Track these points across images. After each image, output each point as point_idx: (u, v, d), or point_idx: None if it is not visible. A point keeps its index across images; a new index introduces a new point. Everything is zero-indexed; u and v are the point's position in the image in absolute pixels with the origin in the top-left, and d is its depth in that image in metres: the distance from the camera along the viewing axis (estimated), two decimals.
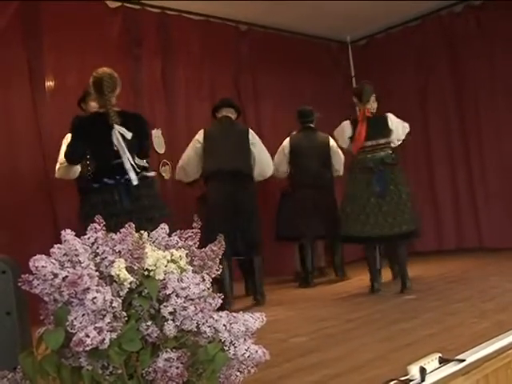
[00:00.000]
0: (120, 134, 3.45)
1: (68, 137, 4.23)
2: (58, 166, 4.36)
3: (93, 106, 4.29)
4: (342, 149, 5.38)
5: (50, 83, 5.24)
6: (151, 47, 5.98)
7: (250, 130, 5.03)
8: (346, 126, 4.76)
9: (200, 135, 4.94)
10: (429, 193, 7.00)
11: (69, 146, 3.72)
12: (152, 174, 3.71)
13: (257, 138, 5.02)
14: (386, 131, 4.65)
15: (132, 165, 3.46)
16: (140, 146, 3.64)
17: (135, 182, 3.43)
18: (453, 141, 6.98)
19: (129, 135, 3.46)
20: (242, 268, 5.17)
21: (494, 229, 6.65)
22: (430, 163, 7.14)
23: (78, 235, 1.59)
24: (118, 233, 1.69)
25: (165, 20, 6.14)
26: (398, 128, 4.73)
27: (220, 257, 1.71)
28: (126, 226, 1.63)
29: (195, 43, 6.35)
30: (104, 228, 1.64)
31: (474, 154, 6.88)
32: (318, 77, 7.31)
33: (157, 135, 5.88)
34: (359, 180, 4.57)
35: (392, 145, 4.68)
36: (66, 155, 3.77)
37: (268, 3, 6.21)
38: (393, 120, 4.73)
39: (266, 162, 5.02)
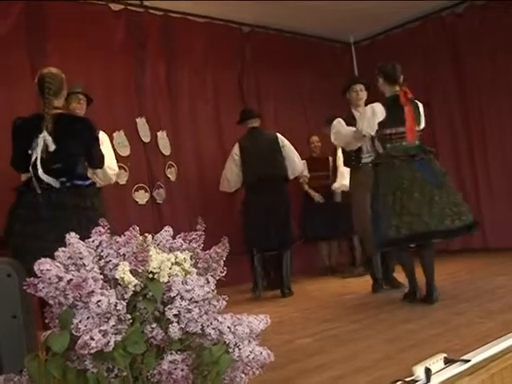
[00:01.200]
0: (44, 143, 3.26)
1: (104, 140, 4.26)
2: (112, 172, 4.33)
3: (74, 107, 4.30)
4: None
5: None
6: (155, 49, 6.00)
7: (278, 135, 5.52)
8: (377, 108, 4.06)
9: (236, 149, 5.46)
10: None
11: (12, 153, 3.53)
12: (86, 182, 3.42)
13: (285, 140, 5.50)
14: (419, 118, 4.16)
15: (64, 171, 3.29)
16: (86, 153, 3.45)
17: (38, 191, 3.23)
18: (457, 141, 6.98)
19: (51, 147, 3.26)
20: (267, 263, 5.61)
21: (499, 229, 6.63)
22: None
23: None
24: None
25: (168, 22, 6.15)
26: (423, 117, 4.26)
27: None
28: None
29: (198, 45, 6.36)
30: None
31: (478, 154, 6.87)
32: (321, 78, 7.32)
33: (162, 137, 5.89)
34: (401, 168, 3.91)
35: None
36: (11, 163, 3.57)
37: (271, 5, 6.22)
38: (421, 108, 4.26)
39: (297, 160, 5.54)
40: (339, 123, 4.71)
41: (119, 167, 4.79)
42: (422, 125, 4.21)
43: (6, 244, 3.28)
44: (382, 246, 3.98)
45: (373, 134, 4.10)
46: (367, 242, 4.65)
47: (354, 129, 4.39)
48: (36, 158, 3.25)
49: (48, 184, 3.25)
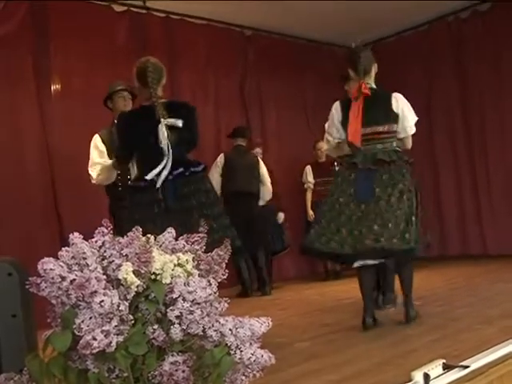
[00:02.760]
0: (168, 128, 3.15)
1: (96, 139, 4.13)
2: (95, 171, 4.05)
3: (119, 105, 4.20)
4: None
5: (56, 86, 5.27)
6: (156, 51, 5.97)
7: (259, 159, 6.01)
8: (335, 108, 3.61)
9: (221, 158, 5.88)
10: (433, 199, 6.99)
11: (119, 146, 3.46)
12: (200, 167, 3.31)
13: (264, 167, 5.96)
14: (389, 115, 3.49)
15: (178, 161, 3.17)
16: (191, 134, 3.31)
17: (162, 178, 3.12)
18: (458, 146, 7.00)
19: (179, 122, 3.16)
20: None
21: (498, 235, 6.65)
22: (434, 168, 7.15)
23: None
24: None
25: (170, 24, 6.17)
26: (406, 113, 3.55)
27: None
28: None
29: (200, 47, 6.38)
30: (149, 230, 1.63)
31: (478, 160, 6.89)
32: (323, 82, 7.32)
33: None
34: (342, 179, 3.49)
35: (398, 135, 3.53)
36: (117, 155, 3.55)
37: (273, 8, 6.23)
38: (400, 101, 3.56)
39: (270, 188, 5.95)
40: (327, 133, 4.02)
41: None
42: (400, 122, 3.52)
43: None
44: (303, 249, 3.61)
45: (334, 140, 3.61)
46: None
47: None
48: (162, 149, 3.13)
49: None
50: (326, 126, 3.72)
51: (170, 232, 1.74)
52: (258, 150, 6.17)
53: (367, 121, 3.42)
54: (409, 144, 3.62)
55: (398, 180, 3.40)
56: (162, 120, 3.15)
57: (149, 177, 3.13)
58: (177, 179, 3.16)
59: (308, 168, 6.38)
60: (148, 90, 3.23)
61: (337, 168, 3.74)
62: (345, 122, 3.49)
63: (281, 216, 6.22)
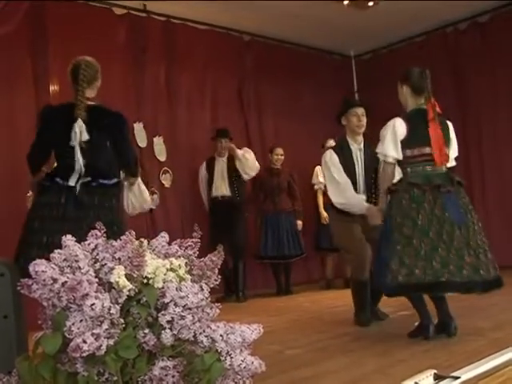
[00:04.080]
0: (80, 131, 3.06)
1: None
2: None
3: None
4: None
5: (54, 87, 5.27)
6: (155, 55, 6.02)
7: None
8: (397, 124, 3.32)
9: (203, 166, 5.97)
10: None
11: (33, 143, 3.24)
12: (112, 181, 3.17)
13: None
14: (448, 139, 3.39)
15: (82, 168, 3.05)
16: (117, 150, 3.20)
17: (72, 184, 3.00)
18: None
19: (84, 136, 3.05)
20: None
21: (493, 246, 6.64)
22: None
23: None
24: (57, 239, 1.62)
25: (170, 28, 6.18)
26: (455, 143, 3.48)
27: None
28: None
29: (199, 52, 6.38)
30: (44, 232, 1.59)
31: (474, 171, 6.91)
32: (320, 88, 7.35)
33: (158, 143, 5.90)
34: (419, 201, 3.18)
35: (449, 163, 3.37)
36: (28, 154, 3.26)
37: (273, 15, 6.26)
38: (452, 129, 3.50)
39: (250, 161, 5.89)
40: (330, 175, 3.94)
41: None
42: (454, 152, 3.45)
43: (21, 241, 3.12)
44: (392, 291, 3.21)
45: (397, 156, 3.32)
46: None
47: (360, 197, 3.84)
48: (73, 148, 3.05)
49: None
50: (382, 145, 3.36)
51: (164, 236, 1.74)
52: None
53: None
54: None
55: (469, 203, 3.33)
56: (79, 120, 3.08)
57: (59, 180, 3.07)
58: (82, 187, 3.05)
59: (318, 168, 6.28)
60: (76, 88, 3.17)
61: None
62: (411, 141, 3.29)
63: (300, 224, 6.26)
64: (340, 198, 3.89)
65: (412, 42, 7.43)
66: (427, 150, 3.27)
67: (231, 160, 5.91)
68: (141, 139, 5.75)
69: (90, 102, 3.19)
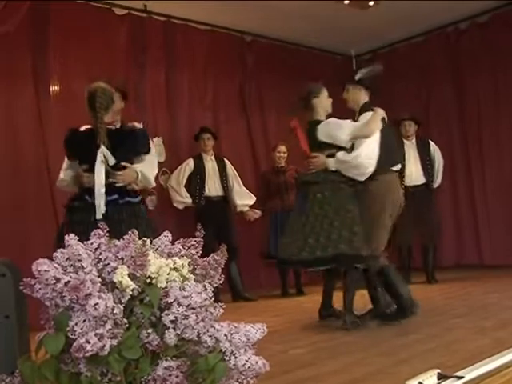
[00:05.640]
0: (104, 157, 3.27)
1: None
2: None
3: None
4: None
5: (54, 87, 5.26)
6: (156, 55, 6.01)
7: (226, 161, 6.00)
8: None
9: (190, 162, 5.82)
10: None
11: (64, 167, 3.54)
12: (137, 199, 3.44)
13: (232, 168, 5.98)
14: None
15: (115, 187, 3.29)
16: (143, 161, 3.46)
17: (101, 213, 3.18)
18: (454, 156, 7.00)
19: (111, 160, 3.29)
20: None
21: (494, 246, 6.65)
22: None
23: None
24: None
25: (170, 28, 6.17)
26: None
27: None
28: None
29: (200, 52, 6.38)
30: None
31: (475, 171, 6.90)
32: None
33: (158, 143, 5.88)
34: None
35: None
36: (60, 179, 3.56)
37: (274, 15, 6.25)
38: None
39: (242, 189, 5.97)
40: None
41: None
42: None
43: None
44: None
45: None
46: None
47: None
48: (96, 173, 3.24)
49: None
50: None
51: (167, 236, 1.74)
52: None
53: None
54: None
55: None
56: (102, 146, 3.28)
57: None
58: (110, 205, 3.22)
59: None
60: (95, 115, 3.34)
61: None
62: None
63: None
64: None
65: (412, 42, 7.42)
66: None
67: (221, 160, 5.94)
68: None
69: (109, 127, 3.39)
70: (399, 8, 6.21)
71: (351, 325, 3.69)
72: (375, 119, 3.89)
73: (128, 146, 3.40)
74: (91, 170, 3.30)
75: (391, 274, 3.90)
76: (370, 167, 3.82)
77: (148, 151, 3.52)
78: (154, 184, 3.80)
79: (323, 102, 4.11)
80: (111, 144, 3.30)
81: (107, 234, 1.61)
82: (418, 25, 6.98)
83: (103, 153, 3.26)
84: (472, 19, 6.93)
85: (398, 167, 4.15)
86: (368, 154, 3.83)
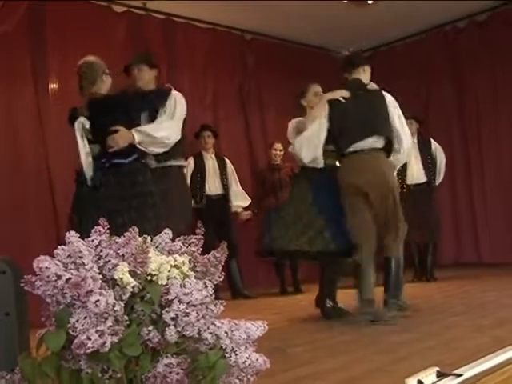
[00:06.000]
0: (83, 127, 3.32)
1: None
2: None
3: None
4: None
5: (53, 85, 5.26)
6: (156, 52, 5.98)
7: (226, 160, 5.99)
8: None
9: (191, 161, 5.77)
10: None
11: None
12: (126, 159, 3.38)
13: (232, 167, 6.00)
14: None
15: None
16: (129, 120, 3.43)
17: (89, 180, 3.28)
18: (454, 154, 7.02)
19: (86, 124, 3.32)
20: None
21: (492, 244, 6.67)
22: None
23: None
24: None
25: (170, 26, 6.17)
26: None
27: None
28: None
29: (199, 50, 6.38)
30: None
31: (474, 169, 6.92)
32: (321, 86, 7.32)
33: None
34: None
35: None
36: None
37: (274, 14, 6.25)
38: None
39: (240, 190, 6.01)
40: None
41: None
42: None
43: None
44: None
45: None
46: None
47: None
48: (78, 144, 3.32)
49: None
50: None
51: (167, 233, 1.74)
52: None
53: None
54: None
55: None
56: (80, 117, 3.33)
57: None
58: (98, 172, 3.29)
59: None
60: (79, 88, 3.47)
61: None
62: None
63: None
64: None
65: (411, 41, 7.43)
66: None
67: (221, 159, 5.95)
68: None
69: (97, 95, 3.41)
70: (398, 6, 6.23)
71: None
72: (316, 108, 4.06)
73: (118, 111, 3.38)
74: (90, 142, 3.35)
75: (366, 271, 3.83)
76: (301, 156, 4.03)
77: (152, 112, 3.55)
78: (168, 140, 3.64)
79: (310, 101, 4.23)
80: (98, 112, 3.33)
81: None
82: (416, 23, 6.99)
83: (81, 123, 3.29)
84: (471, 18, 6.95)
85: (366, 143, 3.94)
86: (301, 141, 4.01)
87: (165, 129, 3.59)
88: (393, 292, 3.82)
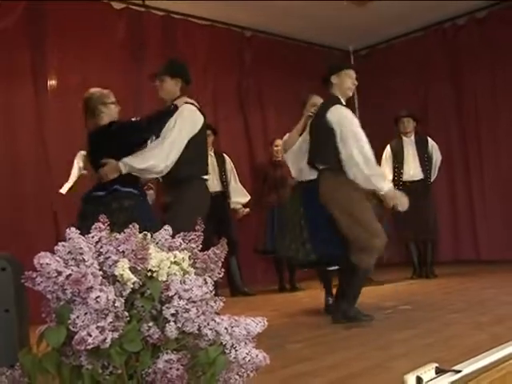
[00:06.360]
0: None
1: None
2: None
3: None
4: None
5: (53, 83, 5.25)
6: (154, 50, 5.99)
7: (226, 157, 5.97)
8: None
9: None
10: None
11: None
12: (103, 192, 3.42)
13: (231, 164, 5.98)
14: None
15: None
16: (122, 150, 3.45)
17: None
18: (452, 152, 7.02)
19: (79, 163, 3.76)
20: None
21: (491, 241, 6.68)
22: None
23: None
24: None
25: (169, 23, 6.16)
26: None
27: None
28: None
29: (199, 47, 6.36)
30: None
31: (473, 167, 6.92)
32: (320, 84, 7.32)
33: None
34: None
35: None
36: None
37: (273, 11, 6.24)
38: None
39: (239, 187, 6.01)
40: None
41: None
42: None
43: None
44: None
45: None
46: None
47: None
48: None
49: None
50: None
51: (167, 229, 1.74)
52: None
53: None
54: None
55: None
56: (80, 152, 3.77)
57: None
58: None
59: None
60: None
61: None
62: None
63: None
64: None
65: (410, 38, 7.43)
66: None
67: (220, 156, 5.93)
68: None
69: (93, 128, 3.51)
70: (397, 4, 6.22)
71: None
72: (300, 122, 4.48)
73: (105, 145, 3.44)
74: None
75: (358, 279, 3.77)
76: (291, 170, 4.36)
77: (135, 143, 3.53)
78: (157, 168, 3.53)
79: (308, 111, 4.47)
80: (95, 145, 3.47)
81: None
82: (415, 20, 6.99)
83: (79, 157, 3.60)
84: (470, 15, 6.94)
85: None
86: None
87: (150, 158, 3.49)
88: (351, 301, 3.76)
